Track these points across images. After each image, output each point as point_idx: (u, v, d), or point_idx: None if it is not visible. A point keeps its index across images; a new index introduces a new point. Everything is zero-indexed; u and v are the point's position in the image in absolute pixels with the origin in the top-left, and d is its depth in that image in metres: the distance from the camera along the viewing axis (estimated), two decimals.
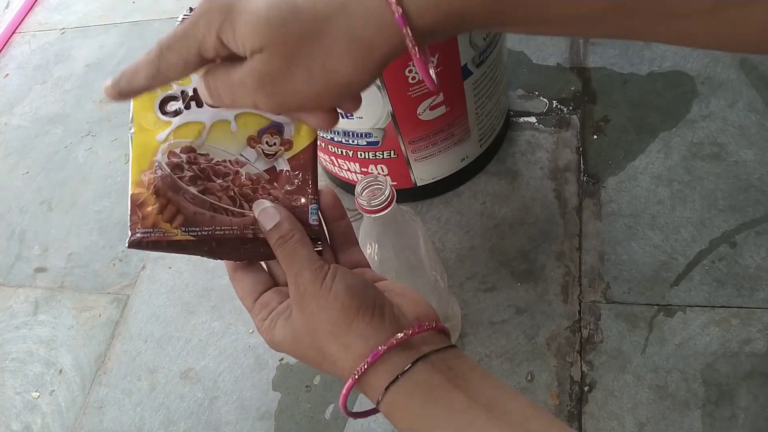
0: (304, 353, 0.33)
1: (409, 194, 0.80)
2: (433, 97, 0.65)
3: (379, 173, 0.76)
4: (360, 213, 0.48)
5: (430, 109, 0.67)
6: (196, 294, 0.83)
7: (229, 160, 0.35)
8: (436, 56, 0.61)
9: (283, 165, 0.35)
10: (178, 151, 0.34)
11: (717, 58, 0.85)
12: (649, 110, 0.83)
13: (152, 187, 0.34)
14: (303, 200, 0.35)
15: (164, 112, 0.35)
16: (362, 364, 0.30)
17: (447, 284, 0.62)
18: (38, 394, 0.80)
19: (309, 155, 0.35)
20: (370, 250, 0.52)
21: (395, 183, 0.78)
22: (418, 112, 0.66)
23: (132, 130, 0.35)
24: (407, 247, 0.53)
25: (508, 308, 0.71)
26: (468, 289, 0.74)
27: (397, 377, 0.30)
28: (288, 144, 0.35)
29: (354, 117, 0.66)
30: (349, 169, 0.77)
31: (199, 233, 0.34)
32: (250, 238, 0.34)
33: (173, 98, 0.35)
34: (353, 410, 0.33)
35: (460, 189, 0.82)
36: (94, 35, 1.24)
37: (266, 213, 0.34)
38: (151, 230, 0.34)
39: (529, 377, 0.67)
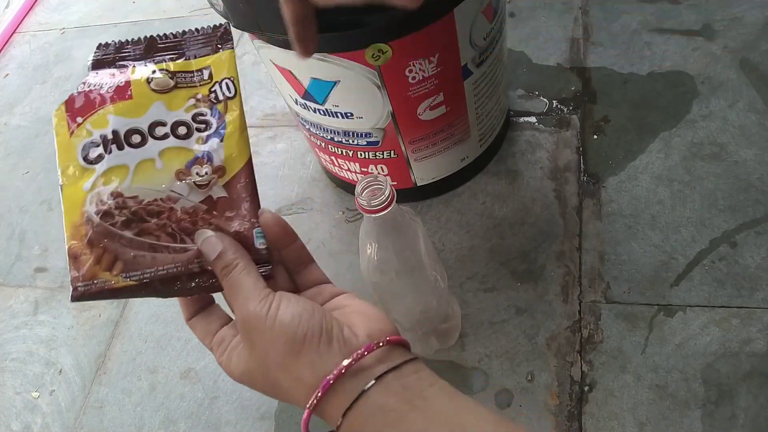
0: (261, 387, 0.32)
1: (409, 194, 0.80)
2: (433, 97, 0.65)
3: (379, 173, 0.76)
4: (360, 213, 0.48)
5: (430, 109, 0.67)
6: None
7: (160, 198, 0.34)
8: (436, 56, 0.61)
9: (219, 192, 0.34)
10: (105, 198, 0.33)
11: (717, 58, 0.85)
12: (649, 110, 0.83)
13: (85, 238, 0.33)
14: (246, 225, 0.34)
15: (87, 160, 0.34)
16: (314, 394, 0.29)
17: (447, 284, 0.62)
18: (38, 394, 0.80)
19: (245, 177, 0.34)
20: (369, 250, 0.52)
21: (395, 183, 0.78)
22: (418, 112, 0.66)
23: (60, 182, 0.35)
24: (407, 247, 0.53)
25: (508, 308, 0.71)
26: (468, 289, 0.74)
27: (351, 404, 0.29)
28: (221, 171, 0.34)
29: (354, 117, 0.66)
30: (349, 169, 0.77)
31: (141, 276, 0.33)
32: (197, 272, 0.33)
33: (94, 144, 0.34)
34: None
35: (460, 189, 0.82)
36: (94, 35, 1.24)
37: (208, 243, 0.33)
38: (91, 282, 0.33)
39: (529, 377, 0.67)
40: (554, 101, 0.87)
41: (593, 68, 0.89)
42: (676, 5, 0.92)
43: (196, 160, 0.34)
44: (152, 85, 0.35)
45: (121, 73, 0.35)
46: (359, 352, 0.29)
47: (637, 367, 0.65)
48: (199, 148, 0.34)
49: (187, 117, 0.35)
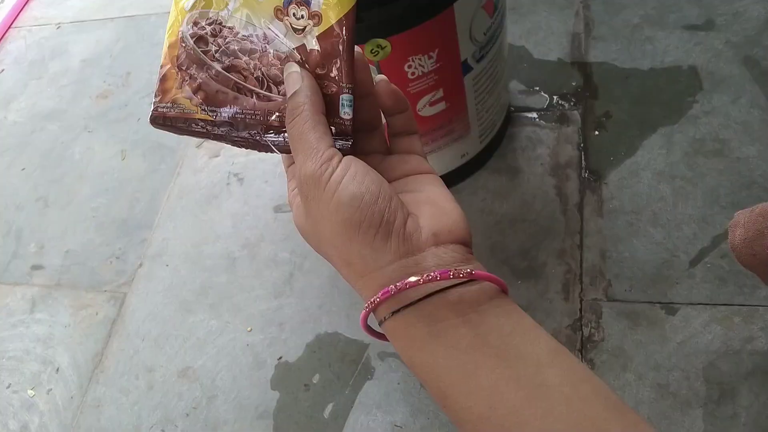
0: (317, 250, 0.30)
1: None
2: (433, 93, 0.65)
3: None
4: None
5: (430, 105, 0.66)
6: (194, 292, 0.82)
7: (256, 34, 0.31)
8: (436, 51, 0.60)
9: (313, 43, 0.30)
10: (203, 22, 0.31)
11: (719, 53, 0.84)
12: (650, 106, 0.82)
13: (176, 60, 0.31)
14: (334, 88, 0.30)
15: None
16: (373, 299, 0.27)
17: None
18: (35, 392, 0.79)
19: (341, 33, 0.30)
20: None
21: None
22: (417, 108, 0.66)
23: None
24: None
25: None
26: None
27: (401, 308, 0.27)
28: (317, 18, 0.30)
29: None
30: None
31: (219, 114, 0.31)
32: (275, 126, 0.31)
33: None
34: (374, 329, 0.30)
35: (461, 186, 0.81)
36: (90, 30, 1.23)
37: (290, 77, 0.30)
38: (171, 105, 0.31)
39: None
40: (555, 97, 0.86)
41: (594, 63, 0.88)
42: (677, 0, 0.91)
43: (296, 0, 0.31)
44: None
45: None
46: (432, 275, 0.26)
47: (638, 365, 0.64)
48: None
49: None
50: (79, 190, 0.98)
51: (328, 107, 0.30)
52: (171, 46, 0.32)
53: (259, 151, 0.32)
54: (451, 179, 0.80)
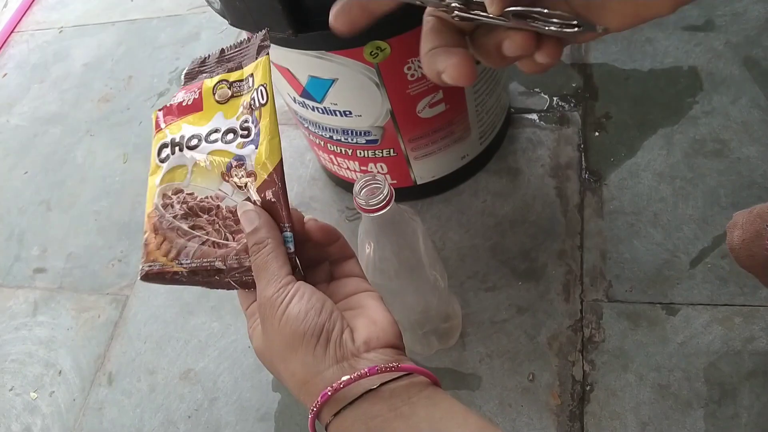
0: (270, 369, 0.34)
1: (409, 193, 0.80)
2: (433, 95, 0.65)
3: (378, 172, 0.75)
4: (359, 212, 0.47)
5: (430, 107, 0.66)
6: (196, 294, 0.82)
7: (210, 196, 0.37)
8: None
9: (254, 196, 0.36)
10: (170, 193, 0.38)
11: (719, 53, 0.84)
12: (650, 107, 0.82)
13: (152, 225, 0.38)
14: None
15: (159, 158, 0.39)
16: (315, 402, 0.30)
17: (447, 283, 0.61)
18: (37, 395, 0.79)
19: (274, 182, 0.36)
20: (368, 249, 0.51)
21: (395, 181, 0.77)
22: (417, 110, 0.66)
23: (149, 173, 0.39)
24: (406, 246, 0.52)
25: (509, 307, 0.71)
26: (469, 288, 0.73)
27: (340, 410, 0.30)
28: (253, 176, 0.37)
29: (353, 115, 0.65)
30: (348, 168, 0.76)
31: (190, 264, 0.37)
32: (235, 267, 0.36)
33: (165, 145, 0.39)
34: None
35: (461, 187, 0.81)
36: (93, 34, 1.24)
37: (247, 215, 0.35)
38: (152, 263, 0.37)
39: (531, 377, 0.66)
40: (555, 98, 0.87)
41: (594, 64, 0.88)
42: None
43: (234, 164, 0.37)
44: (216, 96, 0.39)
45: (197, 85, 0.40)
46: (362, 372, 0.30)
47: (639, 366, 0.64)
48: (237, 152, 0.37)
49: (237, 124, 0.38)
50: (81, 194, 0.99)
51: None
52: (149, 216, 0.38)
53: (223, 288, 0.37)
54: (451, 181, 0.80)
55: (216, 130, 0.38)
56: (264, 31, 0.39)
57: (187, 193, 0.38)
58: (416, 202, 0.81)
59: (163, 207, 0.38)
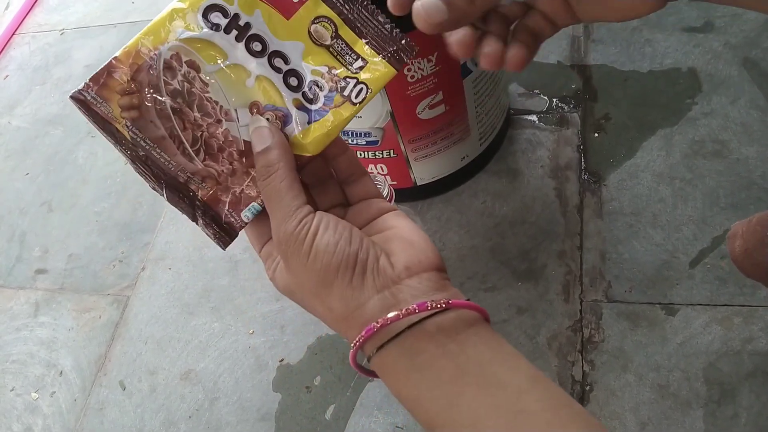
0: (302, 306, 0.32)
1: (409, 193, 0.80)
2: (432, 96, 0.65)
3: (378, 172, 0.75)
4: None
5: (430, 108, 0.66)
6: (196, 295, 0.82)
7: (221, 106, 0.32)
8: (435, 55, 0.60)
9: None
10: (184, 59, 0.31)
11: (718, 54, 0.84)
12: (650, 108, 0.82)
13: (135, 67, 0.31)
14: (253, 192, 0.32)
15: (205, 17, 0.31)
16: (358, 337, 0.28)
17: None
18: (39, 395, 0.80)
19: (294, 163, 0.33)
20: None
21: (395, 182, 0.77)
22: (417, 111, 0.66)
23: (174, 4, 0.31)
24: None
25: (509, 308, 0.71)
26: (468, 288, 0.73)
27: (384, 344, 0.28)
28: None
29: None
30: None
31: (139, 140, 0.31)
32: (180, 184, 0.32)
33: (222, 12, 0.31)
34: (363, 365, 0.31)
35: (461, 188, 0.82)
36: (94, 36, 1.24)
37: (259, 132, 0.31)
38: (100, 101, 0.31)
39: None
40: (555, 99, 0.87)
41: (594, 66, 0.88)
42: (676, 2, 0.91)
43: (277, 111, 0.32)
44: (312, 27, 0.32)
45: None
46: (410, 308, 0.27)
47: (638, 366, 0.64)
48: (290, 107, 0.32)
49: (309, 76, 0.32)
50: (83, 195, 0.99)
51: (237, 203, 0.32)
52: (139, 48, 0.31)
53: (150, 187, 0.33)
54: (450, 182, 0.80)
55: (285, 59, 0.32)
56: (413, 45, 0.32)
57: (201, 78, 0.31)
58: (416, 202, 0.82)
59: (165, 64, 0.31)
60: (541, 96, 0.88)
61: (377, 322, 0.28)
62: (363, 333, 0.28)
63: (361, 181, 0.34)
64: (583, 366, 0.66)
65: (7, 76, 1.23)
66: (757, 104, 0.79)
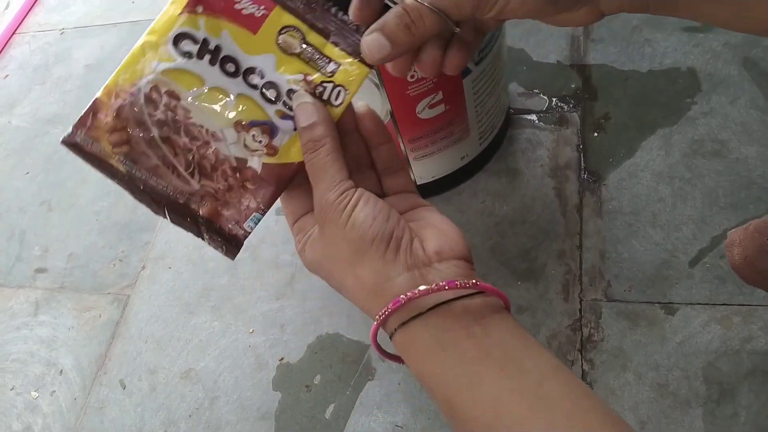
0: (329, 279, 0.32)
1: None
2: (432, 95, 0.65)
3: None
4: None
5: (429, 108, 0.66)
6: (196, 294, 0.83)
7: (207, 129, 0.32)
8: None
9: (255, 164, 0.33)
10: (163, 90, 0.32)
11: (718, 54, 0.84)
12: (649, 107, 0.83)
13: (117, 105, 0.32)
14: (252, 204, 0.33)
15: (176, 47, 0.32)
16: (384, 309, 0.29)
17: None
18: (39, 394, 0.80)
19: (287, 172, 0.33)
20: None
21: None
22: (417, 111, 0.66)
23: (144, 38, 0.32)
24: None
25: None
26: None
27: (409, 320, 0.28)
28: (273, 150, 0.33)
29: None
30: None
31: (134, 172, 0.32)
32: (180, 204, 0.33)
33: (191, 38, 0.32)
34: (385, 349, 0.32)
35: (460, 187, 0.82)
36: (94, 35, 1.24)
37: (304, 108, 0.32)
38: (91, 142, 0.32)
39: None
40: (554, 99, 0.87)
41: (594, 65, 0.89)
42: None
43: (262, 125, 0.33)
44: (280, 38, 0.33)
45: (266, 4, 0.32)
46: (440, 284, 0.28)
47: (638, 365, 0.64)
48: (273, 119, 0.33)
49: (285, 86, 0.33)
50: (82, 194, 0.99)
51: (236, 215, 0.33)
52: (119, 87, 0.32)
53: (153, 212, 0.34)
54: (450, 181, 0.80)
55: (259, 74, 0.33)
56: None
57: (182, 106, 0.32)
58: None
59: (145, 97, 0.32)
60: (541, 95, 0.88)
61: (405, 295, 0.28)
62: (390, 305, 0.28)
63: (399, 174, 0.35)
64: (582, 365, 0.66)
65: (7, 76, 1.23)
66: (757, 104, 0.79)
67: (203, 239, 0.34)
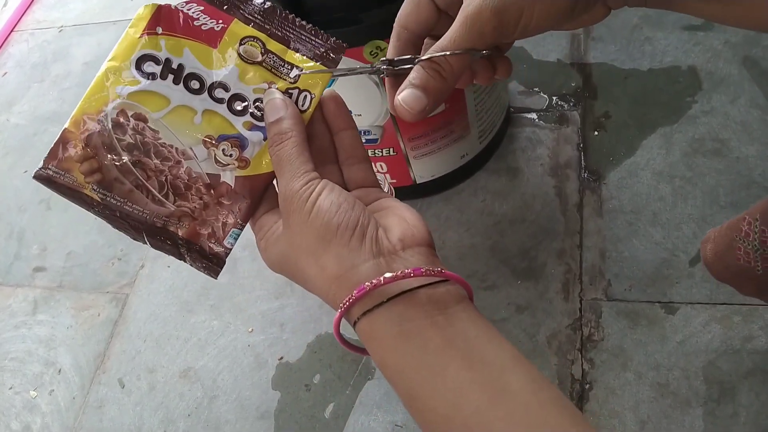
0: (292, 273, 0.32)
1: (408, 192, 0.80)
2: None
3: (378, 171, 0.75)
4: None
5: None
6: (195, 293, 0.82)
7: (176, 148, 0.33)
8: None
9: (228, 179, 0.33)
10: (130, 113, 0.32)
11: (718, 53, 0.84)
12: (650, 106, 0.82)
13: (86, 134, 0.32)
14: (230, 219, 0.33)
15: (139, 69, 0.32)
16: (348, 297, 0.28)
17: None
18: (37, 393, 0.79)
19: (261, 183, 0.34)
20: None
21: (395, 180, 0.77)
22: None
23: (106, 64, 0.32)
24: None
25: (508, 306, 0.71)
26: None
27: (373, 308, 0.28)
28: (244, 162, 0.34)
29: (352, 114, 0.65)
30: None
31: (109, 199, 0.32)
32: (158, 228, 0.33)
33: (154, 60, 0.32)
34: (348, 340, 0.31)
35: (460, 186, 0.81)
36: (93, 33, 1.24)
37: (273, 104, 0.32)
38: (63, 173, 0.32)
39: None
40: (554, 97, 0.87)
41: (594, 64, 0.88)
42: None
43: (231, 139, 0.33)
44: (241, 49, 0.33)
45: (224, 18, 0.33)
46: (405, 271, 0.28)
47: (638, 365, 0.64)
48: (241, 131, 0.33)
49: (251, 96, 0.33)
50: None
51: (215, 232, 0.34)
52: (85, 115, 0.32)
53: (132, 238, 0.34)
54: (450, 180, 0.80)
55: (224, 87, 0.33)
56: (339, 43, 0.35)
57: (150, 127, 0.32)
58: (416, 201, 0.81)
59: (113, 122, 0.32)
60: (541, 94, 0.88)
61: (371, 282, 0.28)
62: (354, 293, 0.28)
63: (361, 166, 0.35)
64: (582, 364, 0.66)
65: (5, 73, 1.23)
66: (757, 103, 0.79)
67: (185, 261, 0.34)
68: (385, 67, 0.34)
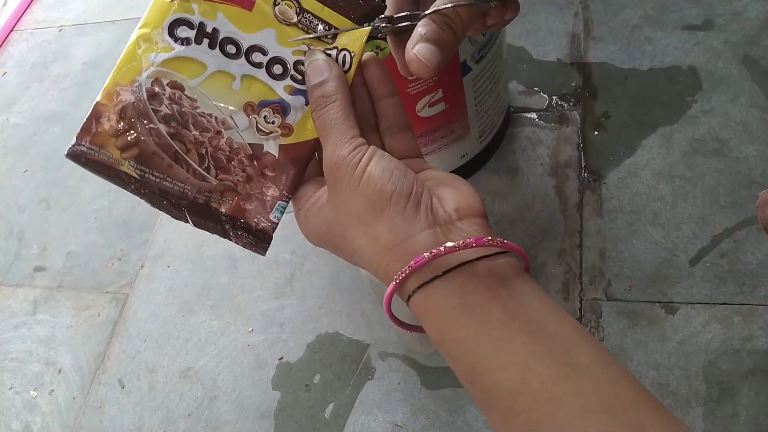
0: (336, 245, 0.30)
1: None
2: (432, 94, 0.65)
3: None
4: None
5: (429, 106, 0.66)
6: (196, 293, 0.82)
7: (216, 117, 0.31)
8: None
9: (271, 148, 0.31)
10: (165, 82, 0.30)
11: (718, 53, 0.84)
12: (650, 106, 0.82)
13: (119, 104, 0.30)
14: (275, 192, 0.32)
15: (172, 35, 0.30)
16: (405, 268, 0.27)
17: None
18: (37, 393, 0.79)
19: (306, 151, 0.32)
20: None
21: None
22: (417, 109, 0.66)
23: (136, 32, 0.30)
24: None
25: None
26: None
27: (432, 279, 0.27)
28: (287, 129, 0.32)
29: None
30: None
31: (147, 176, 0.30)
32: (201, 204, 0.31)
33: (187, 24, 0.30)
34: (401, 318, 0.30)
35: None
36: (92, 33, 1.23)
37: (315, 66, 0.31)
38: (97, 149, 0.30)
39: None
40: (554, 97, 0.87)
41: (594, 64, 0.88)
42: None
43: (272, 105, 0.31)
44: (276, 9, 0.31)
45: None
46: (468, 241, 0.26)
47: (638, 364, 0.64)
48: (283, 96, 0.31)
49: (290, 59, 0.31)
50: (81, 192, 0.99)
51: (261, 207, 0.32)
52: (117, 87, 0.30)
53: (174, 217, 0.32)
54: None
55: (261, 51, 0.31)
56: (379, 2, 0.32)
57: (187, 95, 0.30)
58: None
59: (148, 93, 0.30)
60: (541, 94, 0.87)
61: (430, 253, 0.26)
62: (411, 263, 0.26)
63: (404, 135, 0.33)
64: None
65: (5, 73, 1.23)
66: (757, 102, 0.79)
67: (230, 239, 0.32)
68: (384, 25, 0.31)
